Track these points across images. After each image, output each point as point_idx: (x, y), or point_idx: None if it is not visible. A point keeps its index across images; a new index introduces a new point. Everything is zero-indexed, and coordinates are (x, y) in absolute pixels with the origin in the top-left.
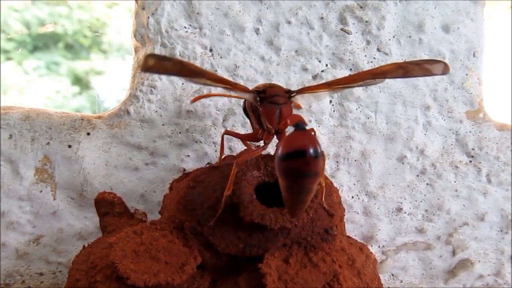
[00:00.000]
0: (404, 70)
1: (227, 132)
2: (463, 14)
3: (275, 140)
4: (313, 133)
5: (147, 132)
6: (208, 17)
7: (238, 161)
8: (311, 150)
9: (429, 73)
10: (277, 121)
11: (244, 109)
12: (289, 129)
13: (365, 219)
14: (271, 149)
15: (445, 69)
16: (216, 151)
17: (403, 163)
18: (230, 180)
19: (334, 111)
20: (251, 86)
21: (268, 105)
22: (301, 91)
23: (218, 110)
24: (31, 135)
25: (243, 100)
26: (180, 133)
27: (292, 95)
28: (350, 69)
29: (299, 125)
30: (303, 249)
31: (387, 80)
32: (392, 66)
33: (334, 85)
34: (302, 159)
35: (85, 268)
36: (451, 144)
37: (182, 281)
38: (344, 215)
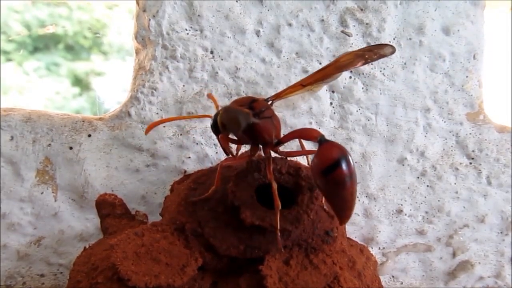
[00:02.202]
0: (362, 58)
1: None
2: (463, 16)
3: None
4: None
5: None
6: (209, 19)
7: (222, 163)
8: (345, 157)
9: (382, 56)
10: (274, 134)
11: (216, 127)
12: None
13: (365, 221)
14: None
15: (393, 50)
16: (217, 152)
17: (403, 165)
18: (217, 178)
19: (334, 113)
20: (251, 88)
21: (263, 120)
22: (277, 96)
23: None
24: (32, 136)
25: (212, 117)
26: (181, 135)
27: (269, 103)
28: (351, 71)
29: (322, 139)
30: (303, 251)
31: (387, 82)
32: (350, 56)
33: (308, 84)
34: (341, 167)
35: (86, 269)
36: (451, 146)
37: (183, 282)
38: None
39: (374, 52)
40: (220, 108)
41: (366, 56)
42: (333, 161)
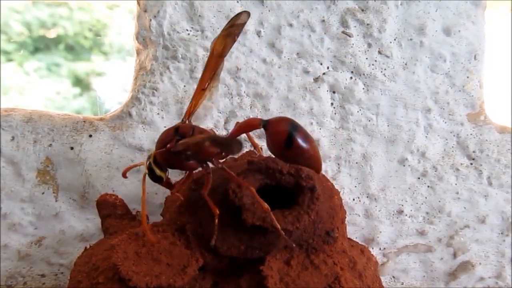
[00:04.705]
0: (230, 36)
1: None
2: (464, 17)
3: None
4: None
5: (149, 134)
6: (210, 19)
7: (204, 192)
8: (292, 122)
9: (242, 25)
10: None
11: (156, 175)
12: None
13: (366, 221)
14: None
15: (248, 15)
16: None
17: (404, 166)
18: (210, 204)
19: (335, 113)
20: (252, 89)
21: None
22: (190, 113)
23: (220, 113)
24: (33, 137)
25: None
26: None
27: (187, 122)
28: (352, 72)
29: (264, 122)
30: (304, 251)
31: (388, 82)
32: (220, 40)
33: (207, 86)
34: (295, 136)
35: (87, 269)
36: (452, 147)
37: (184, 283)
38: (345, 217)
39: (236, 25)
40: (149, 156)
41: (231, 31)
42: (287, 132)
